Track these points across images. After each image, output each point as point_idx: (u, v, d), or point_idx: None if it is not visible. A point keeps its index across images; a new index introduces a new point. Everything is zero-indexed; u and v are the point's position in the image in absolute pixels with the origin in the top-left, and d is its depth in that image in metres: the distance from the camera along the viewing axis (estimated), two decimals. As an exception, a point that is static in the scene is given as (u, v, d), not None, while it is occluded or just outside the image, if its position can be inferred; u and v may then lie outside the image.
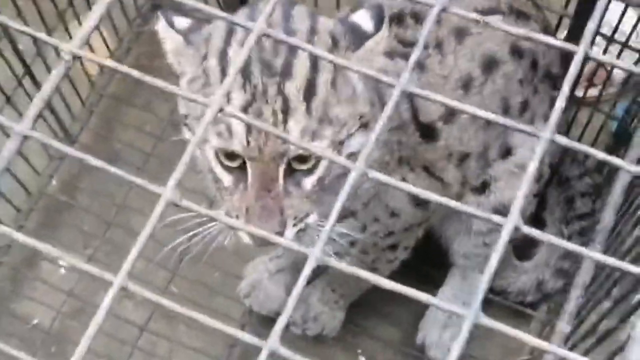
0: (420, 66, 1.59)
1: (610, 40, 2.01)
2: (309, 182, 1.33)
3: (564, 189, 2.19)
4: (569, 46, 0.80)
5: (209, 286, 2.21)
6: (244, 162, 1.30)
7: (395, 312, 2.20)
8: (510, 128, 0.78)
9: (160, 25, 1.36)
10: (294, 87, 1.26)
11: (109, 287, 0.75)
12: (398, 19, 1.64)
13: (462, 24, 1.66)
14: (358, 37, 1.32)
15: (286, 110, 1.25)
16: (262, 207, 1.27)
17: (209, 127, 1.33)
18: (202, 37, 1.34)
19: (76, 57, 0.85)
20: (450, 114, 1.63)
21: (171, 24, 1.35)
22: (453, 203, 0.74)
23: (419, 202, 1.69)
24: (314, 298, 2.09)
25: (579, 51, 0.79)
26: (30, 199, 2.29)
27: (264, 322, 2.17)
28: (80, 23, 2.26)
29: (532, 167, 0.74)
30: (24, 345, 2.13)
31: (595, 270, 1.63)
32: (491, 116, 0.79)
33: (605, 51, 2.05)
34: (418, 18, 1.63)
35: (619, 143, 2.12)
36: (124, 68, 0.83)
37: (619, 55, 1.99)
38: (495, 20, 0.82)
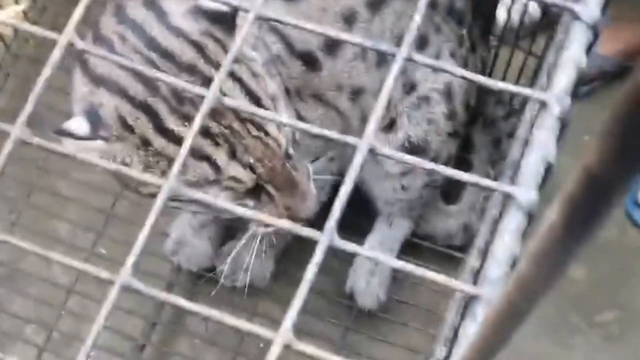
0: None
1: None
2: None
3: (490, 131, 2.18)
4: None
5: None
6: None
7: (328, 263, 2.15)
8: (367, 47, 0.76)
9: (69, 145, 1.24)
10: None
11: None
12: None
13: None
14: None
15: (260, 126, 1.30)
16: (300, 200, 1.38)
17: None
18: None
19: None
20: (332, 45, 1.60)
21: (76, 136, 1.26)
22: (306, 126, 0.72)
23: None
24: (241, 250, 2.06)
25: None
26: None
27: (194, 280, 2.15)
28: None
29: (390, 80, 0.72)
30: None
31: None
32: (345, 37, 0.76)
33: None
34: None
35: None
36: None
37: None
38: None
